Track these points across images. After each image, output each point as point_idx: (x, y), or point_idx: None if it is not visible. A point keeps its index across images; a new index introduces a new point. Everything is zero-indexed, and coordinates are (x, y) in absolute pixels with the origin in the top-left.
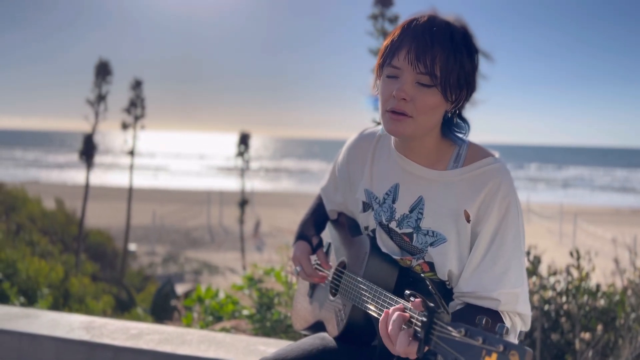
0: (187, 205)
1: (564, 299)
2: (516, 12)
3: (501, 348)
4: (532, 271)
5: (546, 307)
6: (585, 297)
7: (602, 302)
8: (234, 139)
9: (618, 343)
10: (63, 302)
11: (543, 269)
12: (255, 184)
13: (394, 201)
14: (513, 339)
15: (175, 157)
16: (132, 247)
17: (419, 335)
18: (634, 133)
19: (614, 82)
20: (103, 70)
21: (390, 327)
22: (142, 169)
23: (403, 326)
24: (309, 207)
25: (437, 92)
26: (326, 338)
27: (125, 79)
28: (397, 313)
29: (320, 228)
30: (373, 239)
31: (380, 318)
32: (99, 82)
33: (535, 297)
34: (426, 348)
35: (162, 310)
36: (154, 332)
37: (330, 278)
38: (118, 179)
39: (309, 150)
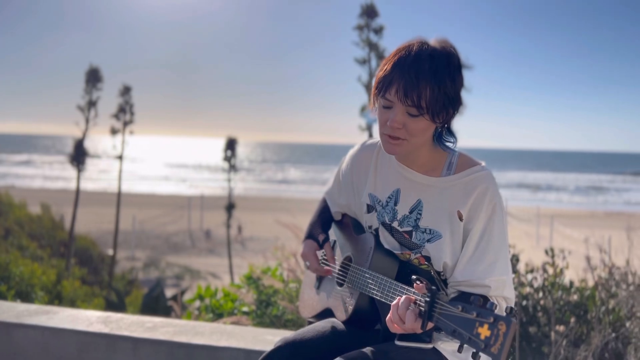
0: (167, 210)
1: (540, 294)
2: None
3: (491, 319)
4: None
5: (524, 302)
6: (560, 293)
7: (575, 297)
8: (215, 143)
9: (590, 334)
10: (57, 304)
11: (521, 267)
12: (237, 188)
13: (395, 204)
14: None
15: (156, 161)
16: (110, 252)
17: (422, 313)
18: (611, 137)
19: (592, 86)
20: (93, 77)
21: (399, 308)
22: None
23: (410, 307)
24: (315, 210)
25: (425, 119)
26: (335, 322)
27: (110, 82)
28: (404, 296)
29: (326, 227)
30: (376, 237)
31: (392, 303)
32: (89, 88)
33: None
34: (429, 324)
35: (153, 312)
36: (168, 325)
37: (336, 271)
38: (95, 183)
39: (290, 154)
